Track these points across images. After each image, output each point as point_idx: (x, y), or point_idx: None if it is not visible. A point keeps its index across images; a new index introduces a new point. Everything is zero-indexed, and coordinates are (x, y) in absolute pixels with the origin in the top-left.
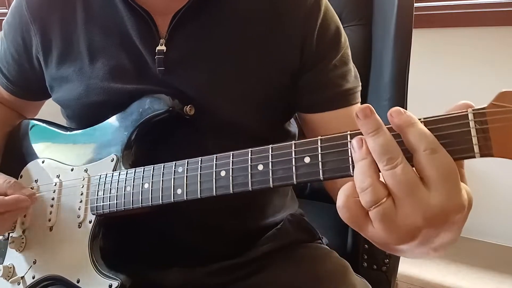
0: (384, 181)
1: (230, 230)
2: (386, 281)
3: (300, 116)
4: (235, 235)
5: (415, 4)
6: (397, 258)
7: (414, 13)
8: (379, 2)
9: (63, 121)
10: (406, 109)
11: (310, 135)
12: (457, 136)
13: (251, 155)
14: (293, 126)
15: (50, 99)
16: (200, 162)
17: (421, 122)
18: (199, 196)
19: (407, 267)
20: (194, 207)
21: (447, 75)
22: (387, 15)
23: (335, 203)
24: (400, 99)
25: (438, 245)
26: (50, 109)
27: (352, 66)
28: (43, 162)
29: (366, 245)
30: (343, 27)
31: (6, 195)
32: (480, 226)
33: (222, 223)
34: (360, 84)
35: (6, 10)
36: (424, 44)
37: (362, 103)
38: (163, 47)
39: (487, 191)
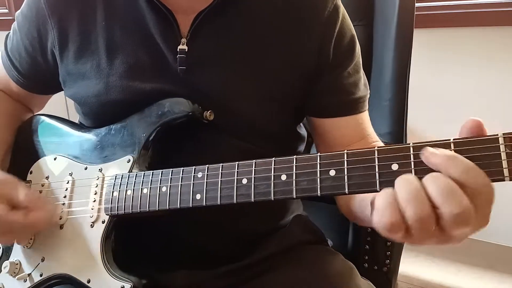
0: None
1: (237, 233)
2: (387, 281)
3: (309, 119)
4: (242, 238)
5: (416, 4)
6: (398, 259)
7: (415, 13)
8: (380, 2)
9: (64, 115)
10: (407, 110)
11: (318, 139)
12: (487, 159)
13: (274, 165)
14: (302, 129)
15: (55, 94)
16: (221, 168)
17: (451, 142)
18: (218, 203)
19: (407, 267)
20: (201, 209)
21: (447, 75)
22: (388, 15)
23: (335, 203)
24: (401, 100)
25: None
26: (55, 105)
27: (362, 74)
28: (55, 159)
29: (367, 246)
30: None
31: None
32: None
33: (230, 226)
34: (369, 92)
35: (6, 10)
36: (425, 44)
37: None
38: (185, 47)
39: None
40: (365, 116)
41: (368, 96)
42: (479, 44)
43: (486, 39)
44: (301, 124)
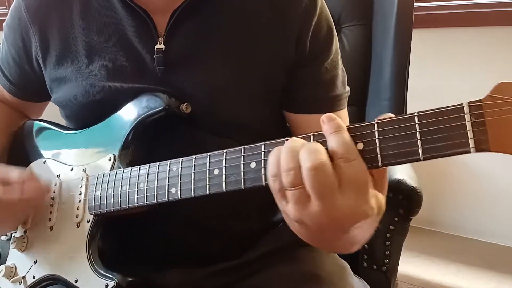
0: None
1: (230, 231)
2: (386, 281)
3: (284, 113)
4: (235, 236)
5: (415, 4)
6: (397, 258)
7: (414, 13)
8: (379, 2)
9: (62, 121)
10: (406, 109)
11: (294, 132)
12: (452, 130)
13: (244, 153)
14: None
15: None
16: (194, 160)
17: (415, 116)
18: (193, 195)
19: (407, 267)
20: (194, 208)
21: (447, 75)
22: (387, 15)
23: None
24: (400, 99)
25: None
26: (50, 110)
27: (341, 70)
28: (44, 162)
29: (366, 245)
30: (343, 27)
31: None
32: (480, 226)
33: (223, 224)
34: (347, 89)
35: (6, 10)
36: (424, 44)
37: (362, 102)
38: (162, 46)
39: (487, 191)
40: (342, 114)
41: (347, 94)
42: (478, 44)
43: (486, 39)
44: None
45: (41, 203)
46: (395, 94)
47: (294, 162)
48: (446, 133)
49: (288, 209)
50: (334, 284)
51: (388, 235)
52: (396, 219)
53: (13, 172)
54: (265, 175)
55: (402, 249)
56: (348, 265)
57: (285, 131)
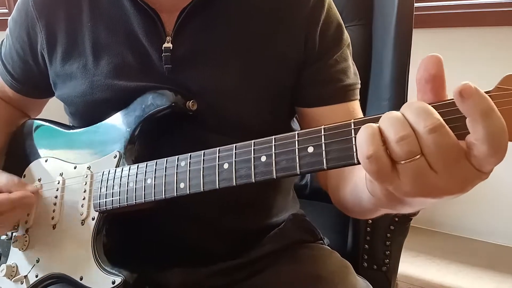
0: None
1: (233, 230)
2: (386, 281)
3: (297, 110)
4: (238, 235)
5: (415, 4)
6: (397, 258)
7: (414, 13)
8: (379, 2)
9: (64, 119)
10: None
11: (306, 128)
12: (462, 120)
13: (254, 146)
14: (295, 123)
15: (52, 98)
16: (203, 155)
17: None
18: (202, 190)
19: (407, 267)
20: (197, 207)
21: (447, 75)
22: (387, 15)
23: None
24: (400, 99)
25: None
26: (53, 108)
27: (352, 63)
28: (46, 161)
29: (366, 245)
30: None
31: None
32: (480, 226)
33: (225, 224)
34: (359, 81)
35: (6, 10)
36: (424, 44)
37: (362, 102)
38: (170, 45)
39: (487, 191)
40: (356, 105)
41: (359, 85)
42: (478, 44)
43: (486, 39)
44: (294, 118)
45: (31, 205)
46: (395, 94)
47: (406, 130)
48: (458, 122)
49: (397, 186)
50: (336, 284)
51: (388, 235)
52: (396, 219)
53: (1, 177)
54: (276, 168)
55: (402, 249)
56: (350, 265)
57: (291, 131)
